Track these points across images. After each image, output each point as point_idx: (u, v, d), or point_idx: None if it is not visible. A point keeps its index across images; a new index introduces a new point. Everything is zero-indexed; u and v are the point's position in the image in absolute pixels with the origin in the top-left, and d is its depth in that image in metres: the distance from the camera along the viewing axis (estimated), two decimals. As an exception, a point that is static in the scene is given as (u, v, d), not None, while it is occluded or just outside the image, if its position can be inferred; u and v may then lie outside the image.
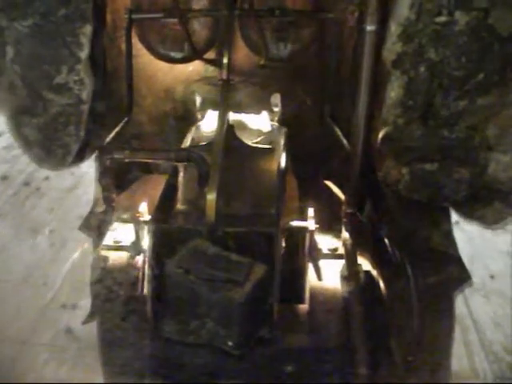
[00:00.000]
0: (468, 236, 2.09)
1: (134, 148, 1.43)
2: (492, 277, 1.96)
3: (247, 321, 0.92)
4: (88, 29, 0.96)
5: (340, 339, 0.96)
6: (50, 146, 1.06)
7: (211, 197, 0.96)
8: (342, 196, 1.24)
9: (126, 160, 1.14)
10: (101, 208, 1.25)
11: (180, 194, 1.07)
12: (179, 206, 1.06)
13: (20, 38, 0.96)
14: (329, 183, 1.37)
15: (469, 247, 2.01)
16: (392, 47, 0.86)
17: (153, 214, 1.03)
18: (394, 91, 0.88)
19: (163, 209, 1.03)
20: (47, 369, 1.65)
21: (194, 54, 1.38)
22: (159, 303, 0.95)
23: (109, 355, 0.96)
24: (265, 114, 1.28)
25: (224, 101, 1.13)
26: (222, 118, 1.07)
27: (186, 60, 1.43)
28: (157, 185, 1.13)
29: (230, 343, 0.91)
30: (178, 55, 1.42)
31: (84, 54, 0.98)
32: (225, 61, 1.17)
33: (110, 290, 1.06)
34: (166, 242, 0.98)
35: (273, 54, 1.39)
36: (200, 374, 0.91)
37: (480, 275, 1.95)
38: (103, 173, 1.24)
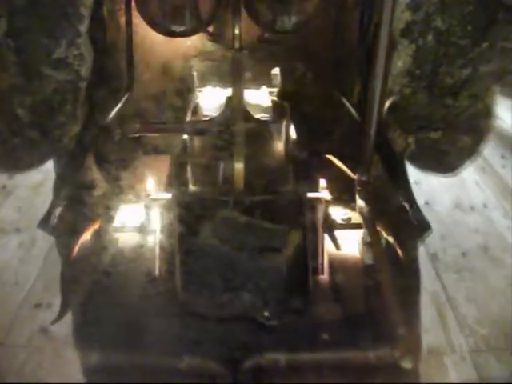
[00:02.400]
0: (438, 216, 2.15)
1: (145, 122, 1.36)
2: (464, 254, 2.02)
3: (285, 289, 0.90)
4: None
5: (369, 307, 0.96)
6: (45, 126, 1.00)
7: (239, 165, 0.94)
8: (345, 169, 1.24)
9: (137, 134, 1.09)
10: (61, 204, 1.18)
11: (191, 169, 1.03)
12: (193, 180, 1.04)
13: (15, 9, 0.90)
14: (331, 157, 1.34)
15: (440, 227, 2.07)
16: (401, 16, 0.87)
17: (174, 187, 1.01)
18: (401, 60, 0.89)
19: (181, 183, 1.00)
20: (26, 369, 1.61)
21: (199, 26, 1.31)
22: (188, 278, 0.92)
23: (140, 338, 0.91)
24: (264, 88, 1.26)
25: (238, 69, 1.10)
26: (238, 87, 1.04)
27: (187, 33, 1.35)
28: (156, 163, 1.10)
29: (266, 314, 0.88)
30: (180, 28, 1.34)
31: (84, 26, 0.93)
32: (236, 31, 1.15)
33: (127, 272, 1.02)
34: (191, 215, 0.95)
35: (277, 25, 1.34)
36: (235, 348, 0.87)
37: (452, 253, 2.01)
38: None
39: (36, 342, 1.70)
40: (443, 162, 0.96)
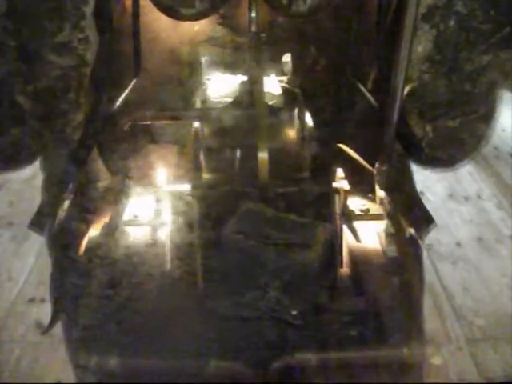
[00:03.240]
0: (432, 206, 2.15)
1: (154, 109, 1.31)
2: (458, 244, 2.03)
3: (315, 286, 0.86)
4: None
5: (396, 302, 0.93)
6: (47, 115, 0.95)
7: (264, 155, 0.89)
8: (358, 158, 1.21)
9: (149, 122, 1.04)
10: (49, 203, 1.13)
11: (207, 159, 1.00)
12: (210, 170, 1.00)
13: None
14: (342, 146, 1.29)
15: (434, 217, 2.07)
16: (422, 0, 0.84)
17: (191, 177, 0.96)
18: (421, 46, 0.87)
19: (198, 173, 0.95)
20: (22, 365, 1.59)
21: (210, 9, 1.25)
22: (211, 276, 0.87)
23: (162, 339, 0.87)
24: (274, 76, 1.22)
25: (256, 53, 1.07)
26: (258, 71, 1.00)
27: (197, 17, 1.28)
28: (167, 153, 1.07)
29: (293, 312, 0.83)
30: (190, 12, 1.26)
31: (89, 8, 0.88)
32: (253, 14, 1.11)
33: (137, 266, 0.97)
34: (213, 208, 0.91)
35: (292, 9, 1.28)
36: (263, 348, 0.83)
37: (447, 243, 2.02)
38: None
39: (31, 337, 1.69)
40: (460, 150, 0.95)
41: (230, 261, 0.85)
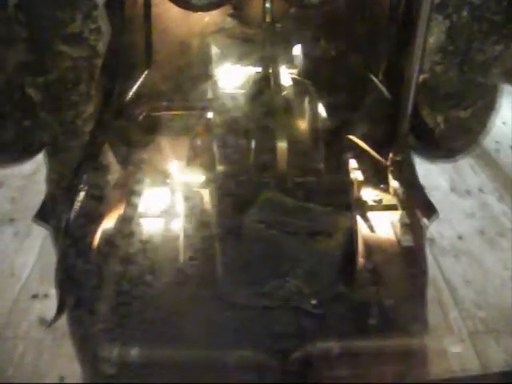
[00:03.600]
0: (434, 200, 2.15)
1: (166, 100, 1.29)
2: (460, 238, 2.03)
3: (335, 275, 0.84)
4: None
5: (414, 289, 0.92)
6: (58, 107, 0.94)
7: (282, 144, 0.88)
8: (368, 149, 1.20)
9: (161, 113, 1.03)
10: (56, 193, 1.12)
11: (221, 149, 0.97)
12: (222, 163, 0.97)
13: None
14: (353, 137, 1.26)
15: (436, 211, 2.08)
16: None
17: (209, 170, 0.95)
18: (433, 37, 0.86)
19: (213, 164, 0.94)
20: (25, 361, 1.60)
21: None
22: (231, 266, 0.85)
23: (181, 330, 0.85)
24: (284, 67, 1.20)
25: (272, 44, 1.05)
26: (274, 62, 0.99)
27: (209, 7, 1.24)
28: (180, 144, 1.05)
29: (313, 302, 0.82)
30: (201, 2, 1.23)
31: None
32: (267, 4, 1.11)
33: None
34: (231, 197, 0.89)
35: (305, 0, 1.25)
36: (283, 338, 0.82)
37: (449, 236, 2.02)
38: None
39: (34, 333, 1.69)
40: (470, 140, 0.95)
41: (251, 250, 0.84)
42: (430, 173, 2.31)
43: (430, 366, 0.87)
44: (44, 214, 1.08)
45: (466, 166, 2.41)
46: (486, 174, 2.39)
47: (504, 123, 2.58)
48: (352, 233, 0.86)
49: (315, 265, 0.83)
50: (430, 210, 1.03)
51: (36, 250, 1.98)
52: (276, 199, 0.86)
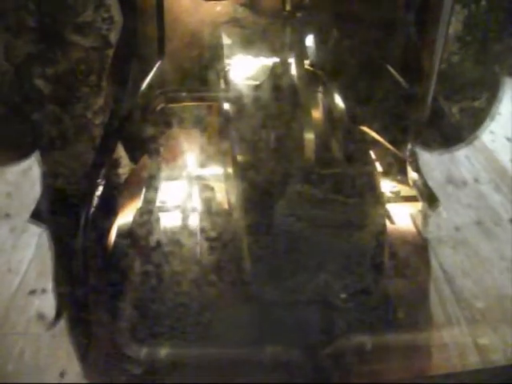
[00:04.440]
0: (431, 191, 2.16)
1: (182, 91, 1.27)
2: (457, 229, 2.04)
3: (367, 268, 0.84)
4: None
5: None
6: (68, 99, 0.92)
7: (310, 135, 0.87)
8: (383, 141, 1.19)
9: (177, 104, 1.01)
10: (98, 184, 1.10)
11: (237, 145, 0.96)
12: (241, 155, 0.95)
13: None
14: (367, 129, 1.25)
15: (433, 202, 2.08)
16: None
17: (229, 162, 0.93)
18: (452, 26, 0.85)
19: (233, 158, 0.92)
20: (25, 357, 1.59)
21: None
22: (257, 261, 0.84)
23: (209, 328, 0.84)
24: (301, 57, 1.18)
25: (291, 34, 1.05)
26: (298, 51, 0.96)
27: None
28: (190, 137, 1.03)
29: (342, 296, 0.82)
30: None
31: None
32: None
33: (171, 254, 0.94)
34: (258, 190, 0.88)
35: None
36: (311, 333, 0.82)
37: (446, 227, 2.02)
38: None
39: (33, 328, 1.68)
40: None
41: (281, 244, 0.83)
42: (426, 164, 2.31)
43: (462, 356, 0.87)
44: (40, 214, 1.06)
45: (461, 157, 2.41)
46: (482, 165, 2.40)
47: (500, 114, 2.57)
48: (383, 225, 0.86)
49: (346, 258, 0.82)
50: (432, 201, 1.03)
51: (33, 246, 1.96)
52: (304, 192, 0.85)
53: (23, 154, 1.07)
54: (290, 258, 0.85)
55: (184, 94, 1.12)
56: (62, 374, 1.54)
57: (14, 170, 2.26)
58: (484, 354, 1.59)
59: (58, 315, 0.97)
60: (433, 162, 2.34)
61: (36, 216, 1.08)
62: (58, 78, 0.90)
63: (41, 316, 1.72)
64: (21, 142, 1.03)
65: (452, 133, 0.98)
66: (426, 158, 2.29)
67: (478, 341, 1.64)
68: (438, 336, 0.87)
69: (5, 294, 1.78)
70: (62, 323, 1.37)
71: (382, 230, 0.88)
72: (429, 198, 1.04)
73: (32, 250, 1.96)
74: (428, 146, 1.21)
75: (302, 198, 0.86)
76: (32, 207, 1.27)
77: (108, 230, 0.98)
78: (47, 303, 1.69)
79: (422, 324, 0.87)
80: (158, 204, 1.05)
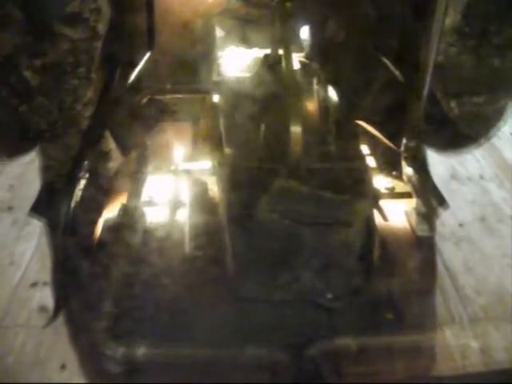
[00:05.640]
0: (434, 187, 2.15)
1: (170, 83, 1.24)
2: (461, 225, 2.03)
3: (353, 267, 0.80)
4: None
5: (430, 280, 0.89)
6: (56, 91, 0.89)
7: (296, 129, 0.83)
8: (379, 135, 1.16)
9: (165, 96, 0.99)
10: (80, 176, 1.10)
11: (226, 138, 0.94)
12: (229, 149, 0.93)
13: None
14: (363, 123, 1.23)
15: (437, 198, 2.07)
16: None
17: (216, 157, 0.91)
18: (449, 17, 0.82)
19: (222, 150, 0.90)
20: (26, 349, 1.59)
21: None
22: (243, 258, 0.81)
23: (190, 327, 0.81)
24: (293, 49, 1.16)
25: (281, 25, 1.01)
26: (286, 43, 0.95)
27: None
28: (185, 129, 1.02)
29: (329, 296, 0.78)
30: None
31: None
32: None
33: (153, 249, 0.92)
34: (242, 186, 0.85)
35: None
36: (296, 334, 0.78)
37: (449, 224, 2.01)
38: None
39: (35, 321, 1.69)
40: (484, 127, 0.92)
41: (264, 241, 0.79)
42: (431, 160, 2.29)
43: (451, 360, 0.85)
44: (40, 207, 1.05)
45: (466, 154, 2.39)
46: (487, 161, 2.38)
47: (505, 110, 2.56)
48: (370, 222, 0.84)
49: (332, 256, 0.79)
50: (439, 200, 1.01)
51: (35, 238, 1.97)
52: (290, 187, 0.81)
53: (27, 147, 1.06)
54: (274, 255, 0.81)
55: (171, 86, 1.10)
56: (62, 367, 1.54)
57: (17, 163, 2.27)
58: (486, 353, 1.59)
59: (57, 309, 0.96)
60: (437, 158, 2.32)
61: (35, 209, 1.07)
62: (46, 70, 0.87)
63: (42, 308, 1.73)
64: (25, 135, 1.02)
65: (452, 129, 0.96)
66: (430, 153, 2.29)
67: (480, 339, 1.63)
68: (429, 337, 0.84)
69: (7, 286, 1.79)
70: (63, 315, 1.38)
71: (371, 228, 0.85)
72: (424, 194, 1.02)
73: (34, 242, 1.96)
74: (435, 147, 1.18)
75: (286, 193, 0.82)
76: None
77: (91, 225, 0.96)
78: (49, 296, 1.70)
79: (413, 325, 0.85)
80: (143, 198, 1.03)
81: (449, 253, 1.92)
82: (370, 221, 0.84)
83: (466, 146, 1.06)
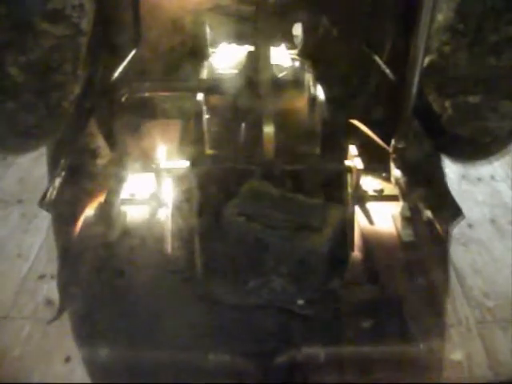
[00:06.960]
0: (445, 187, 2.12)
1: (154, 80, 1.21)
2: (470, 226, 2.00)
3: (324, 274, 0.77)
4: None
5: (413, 291, 0.86)
6: (42, 88, 0.88)
7: (269, 129, 0.81)
8: (371, 135, 1.13)
9: (148, 94, 0.98)
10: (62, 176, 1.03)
11: (208, 138, 0.92)
12: (212, 146, 0.92)
13: None
14: (355, 122, 1.21)
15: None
16: None
17: (194, 156, 0.89)
18: (442, 14, 0.80)
19: (199, 149, 0.89)
20: (32, 341, 1.61)
21: None
22: (210, 261, 0.80)
23: (157, 330, 0.79)
24: (284, 46, 1.14)
25: (264, 22, 0.97)
26: (264, 41, 0.92)
27: None
28: (167, 128, 1.01)
29: (300, 302, 0.76)
30: None
31: None
32: None
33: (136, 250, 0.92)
34: (213, 187, 0.84)
35: None
36: (264, 341, 0.75)
37: (459, 224, 1.98)
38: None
39: (41, 313, 1.70)
40: (481, 128, 0.89)
41: (231, 245, 0.77)
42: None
43: (429, 373, 0.82)
44: (47, 200, 1.05)
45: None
46: (498, 162, 2.35)
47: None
48: (344, 228, 0.81)
49: (301, 262, 0.76)
50: (455, 212, 0.99)
51: (43, 231, 1.98)
52: (260, 189, 0.79)
53: (37, 142, 1.05)
54: (242, 259, 0.78)
55: (159, 83, 1.09)
56: (67, 359, 1.55)
57: (27, 156, 2.28)
58: (492, 356, 1.57)
59: (62, 304, 0.95)
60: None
61: (43, 202, 1.07)
62: (32, 67, 0.86)
63: (49, 301, 1.74)
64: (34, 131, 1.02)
65: (446, 129, 0.93)
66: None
67: (487, 341, 1.61)
68: (403, 349, 0.80)
69: (14, 278, 1.80)
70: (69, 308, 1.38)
71: (346, 233, 0.82)
72: (409, 197, 0.98)
73: (43, 235, 1.98)
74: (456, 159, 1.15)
75: (256, 196, 0.79)
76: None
77: (71, 223, 0.96)
78: (56, 289, 1.71)
79: (390, 335, 0.81)
80: (123, 196, 1.01)
81: (457, 254, 1.90)
82: (344, 225, 0.81)
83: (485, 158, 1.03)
